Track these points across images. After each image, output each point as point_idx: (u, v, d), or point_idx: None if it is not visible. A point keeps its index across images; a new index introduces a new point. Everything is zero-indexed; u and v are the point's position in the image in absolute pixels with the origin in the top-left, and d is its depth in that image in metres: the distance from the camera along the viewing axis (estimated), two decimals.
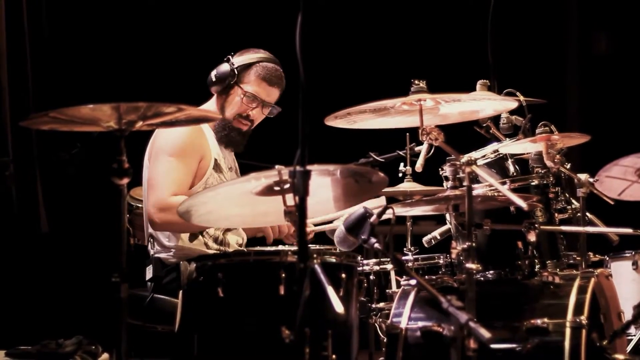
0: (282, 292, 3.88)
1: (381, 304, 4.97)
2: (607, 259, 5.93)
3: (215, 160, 4.97)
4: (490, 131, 5.05)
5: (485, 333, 3.40)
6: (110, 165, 3.49)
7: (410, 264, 5.03)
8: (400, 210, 4.55)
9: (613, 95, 8.14)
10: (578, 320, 4.21)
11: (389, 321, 4.51)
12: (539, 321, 4.24)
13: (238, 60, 5.09)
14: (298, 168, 3.28)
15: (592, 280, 4.38)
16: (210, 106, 5.11)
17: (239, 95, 5.07)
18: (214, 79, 5.09)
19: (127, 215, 5.87)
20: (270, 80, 5.08)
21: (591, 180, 4.70)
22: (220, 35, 7.61)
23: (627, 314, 4.66)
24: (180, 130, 4.87)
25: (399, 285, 4.82)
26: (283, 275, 3.89)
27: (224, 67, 5.08)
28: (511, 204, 4.25)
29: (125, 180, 3.50)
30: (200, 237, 4.93)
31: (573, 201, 4.71)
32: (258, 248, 4.36)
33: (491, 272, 4.55)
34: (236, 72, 5.06)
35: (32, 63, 6.78)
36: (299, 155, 3.27)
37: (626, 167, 4.57)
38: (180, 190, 4.77)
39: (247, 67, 5.08)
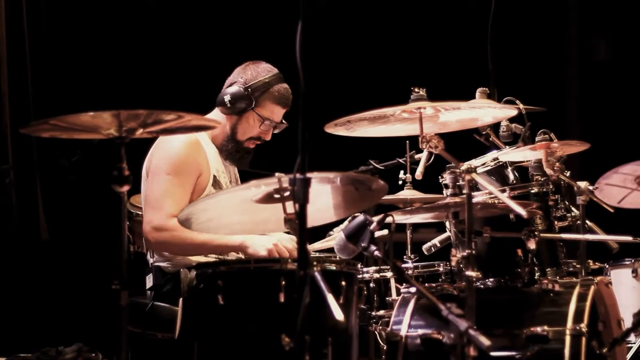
0: (282, 299, 3.88)
1: (381, 312, 4.97)
2: (607, 266, 5.93)
3: (214, 176, 4.95)
4: (490, 139, 5.05)
5: (485, 341, 3.40)
6: (111, 173, 3.49)
7: (410, 272, 5.02)
8: (400, 218, 4.55)
9: (613, 103, 8.14)
10: (578, 328, 4.21)
11: (388, 329, 4.51)
12: (538, 329, 4.25)
13: (252, 82, 5.01)
14: (298, 175, 3.29)
15: (592, 288, 4.39)
16: (215, 118, 5.05)
17: (255, 120, 5.03)
18: (227, 104, 4.99)
19: (127, 223, 5.87)
20: (284, 103, 5.07)
21: (591, 188, 4.70)
22: (220, 42, 7.61)
23: (627, 322, 4.67)
24: (178, 147, 4.85)
25: (398, 292, 4.81)
26: (283, 282, 3.89)
27: (238, 92, 4.99)
28: (511, 211, 4.25)
29: (125, 188, 3.50)
30: None
31: (573, 209, 4.71)
32: None
33: (491, 279, 4.55)
34: (253, 100, 5.02)
35: (32, 70, 6.79)
36: (299, 162, 3.28)
37: (626, 174, 4.57)
38: (178, 210, 4.64)
39: (263, 92, 5.03)
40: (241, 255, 5.01)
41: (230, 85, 5.05)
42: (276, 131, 5.13)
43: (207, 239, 4.72)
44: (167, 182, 4.82)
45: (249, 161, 5.16)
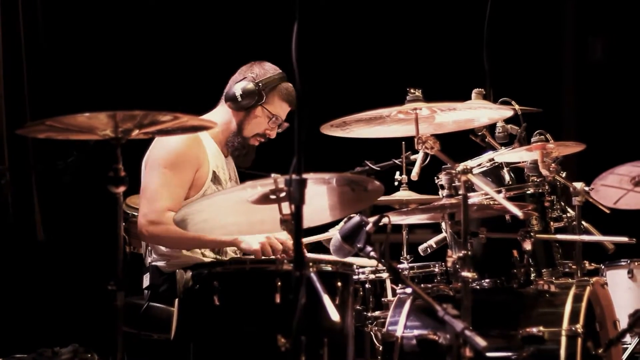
0: (278, 300, 3.89)
1: (377, 313, 4.97)
2: (603, 267, 5.94)
3: (214, 172, 4.96)
4: (486, 140, 5.06)
5: (481, 341, 3.41)
6: (107, 174, 3.49)
7: (406, 273, 5.03)
8: (396, 219, 4.55)
9: (609, 104, 8.15)
10: (574, 328, 4.21)
11: (384, 329, 4.51)
12: (534, 329, 4.25)
13: (262, 78, 5.05)
14: (294, 176, 3.29)
15: (588, 288, 4.39)
16: (216, 116, 5.06)
17: (263, 116, 5.07)
18: (239, 98, 5.04)
19: (124, 224, 5.87)
20: (291, 102, 5.10)
21: (587, 188, 4.71)
22: (217, 42, 7.61)
23: (623, 323, 4.67)
24: (176, 141, 4.85)
25: (394, 293, 4.82)
26: (279, 283, 3.89)
27: (250, 87, 5.03)
28: (507, 212, 4.26)
29: (121, 189, 3.51)
30: None
31: (568, 210, 4.72)
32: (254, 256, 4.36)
33: (487, 280, 4.56)
34: (264, 95, 5.06)
35: (28, 71, 6.78)
36: (294, 163, 3.28)
37: (622, 175, 4.59)
38: (174, 205, 4.70)
39: (272, 88, 5.07)
40: (237, 255, 5.02)
41: (239, 81, 5.07)
42: (279, 130, 5.15)
43: (200, 233, 4.73)
44: (164, 176, 4.82)
45: (252, 160, 5.17)
